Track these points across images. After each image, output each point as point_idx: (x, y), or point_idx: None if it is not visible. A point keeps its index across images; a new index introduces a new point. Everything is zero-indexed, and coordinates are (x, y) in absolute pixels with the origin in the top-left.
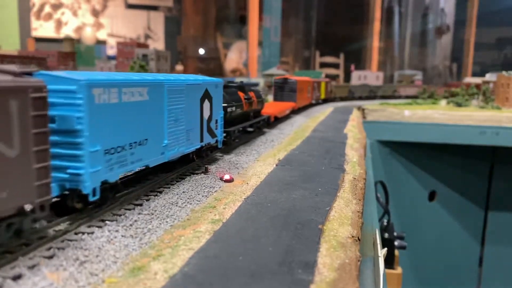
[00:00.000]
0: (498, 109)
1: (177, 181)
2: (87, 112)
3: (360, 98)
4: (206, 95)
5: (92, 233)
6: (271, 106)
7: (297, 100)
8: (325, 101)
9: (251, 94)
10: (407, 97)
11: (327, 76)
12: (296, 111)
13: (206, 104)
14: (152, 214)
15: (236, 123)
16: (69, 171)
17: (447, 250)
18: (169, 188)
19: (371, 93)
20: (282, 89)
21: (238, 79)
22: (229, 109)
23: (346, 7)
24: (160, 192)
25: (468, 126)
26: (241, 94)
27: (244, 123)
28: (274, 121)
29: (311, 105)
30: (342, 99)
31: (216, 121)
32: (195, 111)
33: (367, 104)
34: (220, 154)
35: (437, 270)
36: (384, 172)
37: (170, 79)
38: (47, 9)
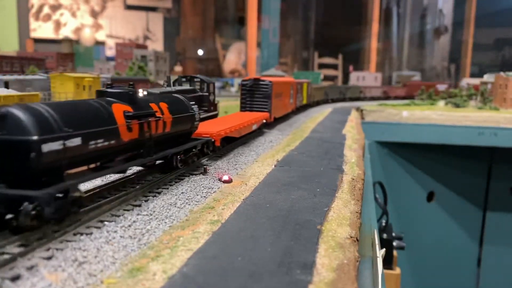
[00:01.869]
0: (496, 110)
1: (176, 182)
2: None
3: (333, 100)
4: None
5: (91, 233)
6: (224, 121)
7: (272, 108)
8: (304, 107)
9: (160, 106)
10: (372, 98)
11: (325, 77)
12: (271, 124)
13: None
14: (151, 215)
15: (95, 168)
16: None
17: (445, 251)
18: (167, 189)
19: (341, 95)
20: (251, 94)
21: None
22: (46, 147)
23: (345, 8)
24: (159, 193)
25: (466, 127)
26: (120, 108)
27: (123, 165)
28: (228, 144)
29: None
30: (318, 102)
31: None
32: None
33: (365, 105)
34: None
35: (435, 270)
36: (382, 173)
37: None
38: (46, 10)
